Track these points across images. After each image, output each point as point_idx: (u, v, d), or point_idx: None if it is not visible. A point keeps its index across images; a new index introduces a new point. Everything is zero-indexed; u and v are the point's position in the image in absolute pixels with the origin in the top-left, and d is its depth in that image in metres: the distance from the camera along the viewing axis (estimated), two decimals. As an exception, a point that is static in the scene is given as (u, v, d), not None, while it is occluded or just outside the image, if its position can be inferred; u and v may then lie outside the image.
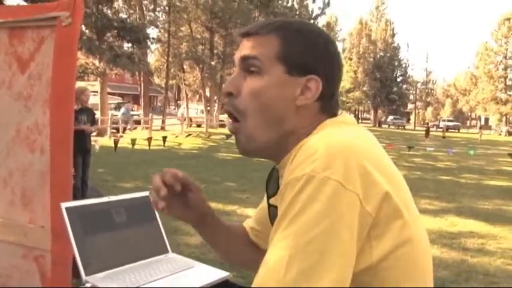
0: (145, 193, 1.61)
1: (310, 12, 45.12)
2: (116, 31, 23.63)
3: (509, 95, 61.69)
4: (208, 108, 34.77)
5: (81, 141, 7.03)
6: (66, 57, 2.09)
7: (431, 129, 38.90)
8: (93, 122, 7.59)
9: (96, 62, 23.19)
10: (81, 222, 1.40)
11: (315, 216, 0.73)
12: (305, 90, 0.92)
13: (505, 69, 63.80)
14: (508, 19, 62.45)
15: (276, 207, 0.93)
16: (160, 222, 1.62)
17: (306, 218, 0.73)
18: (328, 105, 0.96)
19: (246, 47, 0.94)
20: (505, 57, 63.62)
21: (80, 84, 18.01)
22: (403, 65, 66.09)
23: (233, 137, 1.00)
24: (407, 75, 67.29)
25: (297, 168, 0.78)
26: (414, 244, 0.81)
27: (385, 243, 0.77)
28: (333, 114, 0.97)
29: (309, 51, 0.93)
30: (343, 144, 0.80)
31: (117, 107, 23.67)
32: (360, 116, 71.11)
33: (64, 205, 1.38)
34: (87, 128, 7.24)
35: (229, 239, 1.27)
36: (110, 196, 1.52)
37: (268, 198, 1.09)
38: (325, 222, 0.72)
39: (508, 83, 63.09)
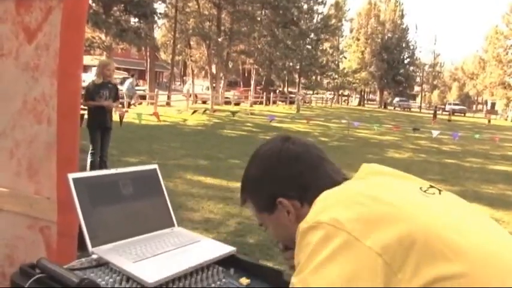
0: (153, 166, 1.61)
1: (319, -10, 44.57)
2: (122, 5, 23.42)
3: (517, 80, 61.12)
4: (214, 85, 34.63)
5: (101, 117, 6.98)
6: (74, 29, 2.06)
7: (437, 112, 38.67)
8: (116, 97, 7.29)
9: (103, 36, 23.06)
10: (88, 193, 1.40)
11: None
12: (287, 209, 1.10)
13: (515, 53, 63.06)
14: (520, 3, 61.45)
15: None
16: (167, 196, 1.61)
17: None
18: (311, 194, 1.05)
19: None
20: (515, 42, 62.83)
21: (85, 58, 17.91)
22: (411, 47, 65.28)
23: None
24: (415, 58, 66.53)
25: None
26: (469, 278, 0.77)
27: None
28: (336, 182, 1.09)
29: (263, 190, 1.13)
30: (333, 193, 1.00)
31: (122, 81, 23.52)
32: (365, 97, 70.59)
33: (71, 176, 1.38)
34: (107, 104, 7.01)
35: None
36: (118, 168, 1.51)
37: None
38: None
39: (517, 67, 62.44)
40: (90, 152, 7.08)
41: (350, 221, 0.84)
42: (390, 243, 0.80)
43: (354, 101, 72.01)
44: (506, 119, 54.78)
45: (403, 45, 64.13)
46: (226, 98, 34.73)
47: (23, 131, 2.33)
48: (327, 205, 0.92)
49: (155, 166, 1.63)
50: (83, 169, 6.27)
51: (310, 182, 1.08)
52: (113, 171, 1.51)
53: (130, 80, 23.51)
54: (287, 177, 1.10)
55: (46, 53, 2.23)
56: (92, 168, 6.99)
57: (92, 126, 7.02)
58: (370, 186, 0.99)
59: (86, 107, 6.95)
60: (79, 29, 2.10)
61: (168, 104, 28.82)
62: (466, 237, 0.82)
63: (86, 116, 7.22)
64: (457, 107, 59.87)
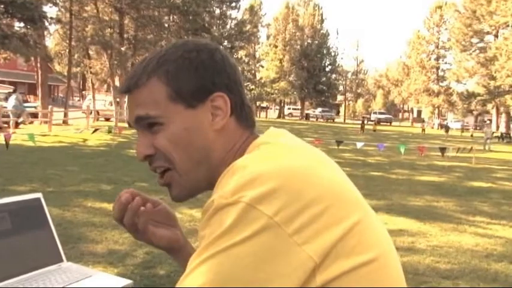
0: (36, 195, 1.56)
1: (231, -6, 45.37)
2: (2, 6, 22.16)
3: (441, 86, 65.68)
4: (118, 99, 33.89)
5: None
6: None
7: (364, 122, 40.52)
8: None
9: (-24, 44, 21.67)
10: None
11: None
12: (215, 111, 0.94)
13: (437, 59, 67.83)
14: (440, 7, 66.38)
15: None
16: (53, 228, 1.57)
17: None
18: (243, 114, 0.98)
19: (134, 106, 0.95)
20: (437, 47, 67.64)
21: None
22: (333, 54, 68.22)
23: None
24: (337, 65, 69.62)
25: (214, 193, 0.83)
26: (380, 262, 0.81)
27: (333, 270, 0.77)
28: (252, 123, 1.00)
29: (197, 73, 0.94)
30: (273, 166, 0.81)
31: (7, 97, 22.33)
32: (283, 107, 72.36)
33: None
34: None
35: None
36: (-8, 199, 1.45)
37: None
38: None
39: (440, 73, 67.13)
40: None
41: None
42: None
43: (274, 113, 73.60)
44: (432, 127, 58.53)
45: (324, 51, 66.85)
46: (133, 113, 34.06)
47: None
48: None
49: (39, 195, 1.58)
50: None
51: (243, 101, 0.99)
52: (-14, 203, 1.45)
53: (15, 95, 22.41)
54: (229, 73, 0.97)
55: None
56: None
57: None
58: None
59: None
60: None
61: (65, 122, 27.80)
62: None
63: None
64: (382, 116, 63.29)
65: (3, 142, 11.60)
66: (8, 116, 21.10)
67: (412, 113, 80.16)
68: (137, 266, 5.06)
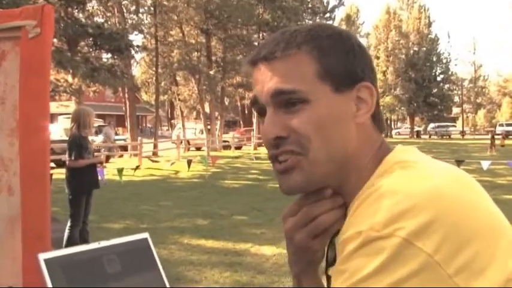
0: (143, 235, 1.60)
1: (325, 3, 45.59)
2: (91, 39, 23.76)
3: None
4: (209, 127, 34.90)
5: (91, 178, 7.00)
6: (36, 76, 2.09)
7: (487, 136, 38.57)
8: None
9: (69, 78, 23.26)
10: (65, 277, 1.38)
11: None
12: (359, 103, 0.93)
13: None
14: None
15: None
16: (162, 270, 1.59)
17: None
18: (379, 118, 0.97)
19: (271, 77, 0.92)
20: None
21: (51, 105, 18.11)
22: (444, 60, 65.99)
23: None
24: (450, 73, 67.15)
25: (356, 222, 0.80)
26: None
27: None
28: (383, 128, 1.00)
29: (349, 57, 0.93)
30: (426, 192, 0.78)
31: (98, 131, 23.79)
32: (392, 126, 70.82)
33: (42, 256, 1.36)
34: (100, 160, 7.09)
35: None
36: (100, 241, 1.50)
37: (327, 267, 1.07)
38: None
39: None
40: (69, 224, 6.96)
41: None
42: None
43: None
44: None
45: (434, 59, 64.86)
46: (225, 141, 34.93)
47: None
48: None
49: (146, 235, 1.62)
50: (57, 244, 6.23)
51: (378, 100, 0.98)
52: (94, 245, 1.50)
53: (105, 128, 23.83)
54: (372, 66, 0.98)
55: (1, 108, 2.25)
56: (70, 244, 6.88)
57: (79, 190, 6.91)
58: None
59: (54, 166, 6.97)
60: (43, 75, 2.14)
61: (155, 154, 29.00)
62: None
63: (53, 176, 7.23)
64: (511, 128, 59.80)
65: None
66: (99, 150, 22.42)
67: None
68: (241, 308, 5.08)
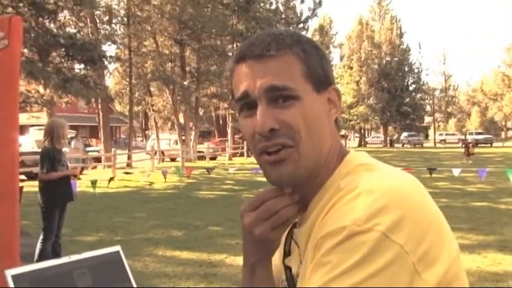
0: (115, 248, 1.57)
1: (298, 14, 45.88)
2: (63, 49, 23.52)
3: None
4: (184, 137, 34.77)
5: (65, 191, 6.92)
6: (5, 87, 2.05)
7: (458, 145, 39.21)
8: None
9: (41, 89, 22.94)
10: (34, 292, 1.35)
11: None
12: (330, 104, 1.05)
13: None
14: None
15: (290, 268, 1.10)
16: (134, 283, 1.57)
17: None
18: (338, 119, 1.09)
19: (265, 74, 0.98)
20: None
21: (21, 116, 17.87)
22: (416, 70, 66.97)
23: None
24: (422, 82, 68.11)
25: (336, 219, 0.89)
26: (461, 280, 0.92)
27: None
28: (339, 131, 1.11)
29: (323, 61, 1.04)
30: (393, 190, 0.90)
31: (69, 142, 23.62)
32: (366, 135, 71.39)
33: (10, 272, 1.33)
34: (74, 172, 7.13)
35: None
36: (71, 256, 1.48)
37: (284, 257, 1.14)
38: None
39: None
40: (42, 237, 6.83)
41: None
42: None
43: (354, 142, 72.80)
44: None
45: (406, 68, 65.81)
46: (200, 151, 34.83)
47: None
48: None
49: (117, 248, 1.60)
50: (27, 259, 6.11)
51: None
52: (65, 260, 1.47)
53: (74, 140, 23.61)
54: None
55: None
56: (42, 258, 6.75)
57: (52, 203, 6.80)
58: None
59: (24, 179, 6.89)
60: (12, 86, 2.10)
61: (129, 165, 28.78)
62: None
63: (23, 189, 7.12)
64: (480, 137, 60.86)
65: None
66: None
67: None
68: (217, 320, 5.04)
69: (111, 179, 17.15)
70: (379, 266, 0.81)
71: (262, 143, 0.99)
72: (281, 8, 43.52)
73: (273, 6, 41.96)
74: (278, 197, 1.03)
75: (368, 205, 0.86)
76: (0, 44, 1.94)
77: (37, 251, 6.71)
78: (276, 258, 1.16)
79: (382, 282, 0.81)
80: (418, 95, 67.83)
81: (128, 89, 36.74)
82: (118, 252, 1.61)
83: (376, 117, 64.70)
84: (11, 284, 1.31)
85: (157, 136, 39.44)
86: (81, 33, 27.66)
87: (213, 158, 33.52)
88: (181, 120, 36.99)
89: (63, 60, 24.49)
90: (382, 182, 0.92)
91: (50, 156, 6.72)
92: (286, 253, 1.13)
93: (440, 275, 0.85)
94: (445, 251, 0.88)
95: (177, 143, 34.97)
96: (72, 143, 23.37)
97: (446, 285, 0.86)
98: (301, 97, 0.98)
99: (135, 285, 1.59)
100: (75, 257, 1.50)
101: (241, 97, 1.01)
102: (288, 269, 1.11)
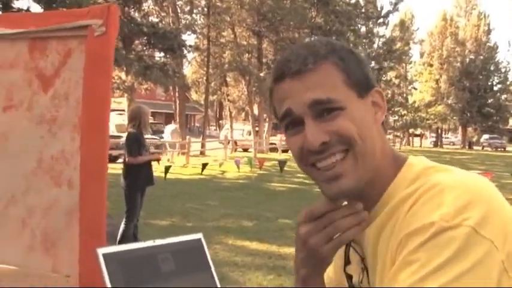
0: (197, 235, 1.61)
1: (379, 8, 45.04)
2: (145, 38, 24.17)
3: None
4: (257, 128, 34.98)
5: (148, 175, 7.23)
6: (100, 73, 2.15)
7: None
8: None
9: (123, 75, 23.73)
10: (122, 272, 1.41)
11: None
12: (375, 106, 1.04)
13: None
14: None
15: (351, 276, 1.09)
16: (214, 271, 1.61)
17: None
18: (384, 127, 1.07)
19: (306, 89, 0.97)
20: None
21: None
22: (503, 70, 63.97)
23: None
24: (508, 83, 65.07)
25: (419, 216, 0.88)
26: None
27: None
28: (386, 132, 1.12)
29: (361, 65, 1.03)
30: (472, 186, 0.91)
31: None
32: (442, 135, 69.24)
33: (101, 251, 1.39)
34: (157, 156, 7.37)
35: None
36: (155, 240, 1.53)
37: (345, 266, 1.14)
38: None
39: None
40: (125, 220, 7.09)
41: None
42: None
43: (427, 142, 70.75)
44: None
45: (491, 68, 62.99)
46: (272, 143, 34.91)
47: (37, 195, 2.39)
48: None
49: (200, 235, 1.63)
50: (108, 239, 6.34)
51: None
52: (149, 243, 1.53)
53: (174, 126, 24.93)
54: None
55: (65, 103, 2.32)
56: (124, 239, 7.02)
57: (135, 187, 7.07)
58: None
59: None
60: (106, 73, 2.19)
61: (202, 153, 29.25)
62: None
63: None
64: None
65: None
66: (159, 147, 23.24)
67: None
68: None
69: (204, 165, 17.54)
70: (472, 263, 0.81)
71: (314, 156, 0.99)
72: (361, 1, 42.83)
73: (353, 0, 41.33)
74: (339, 210, 1.00)
75: (454, 200, 0.86)
76: (98, 31, 2.03)
77: (120, 231, 6.99)
78: (330, 271, 1.16)
79: (476, 279, 0.80)
80: (503, 96, 64.85)
81: (204, 78, 37.33)
82: (200, 239, 1.65)
83: (454, 117, 62.63)
84: (102, 261, 1.37)
85: (231, 126, 39.83)
86: (163, 22, 28.35)
87: (285, 151, 33.46)
88: (256, 111, 37.21)
89: (144, 48, 25.15)
90: (461, 179, 0.93)
91: (137, 141, 6.97)
92: (347, 262, 1.13)
93: None
94: None
95: (250, 134, 35.20)
96: (171, 129, 24.51)
97: None
98: (346, 106, 0.97)
99: (215, 274, 1.62)
100: (159, 242, 1.55)
101: (285, 115, 1.01)
102: (349, 277, 1.12)
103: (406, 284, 0.83)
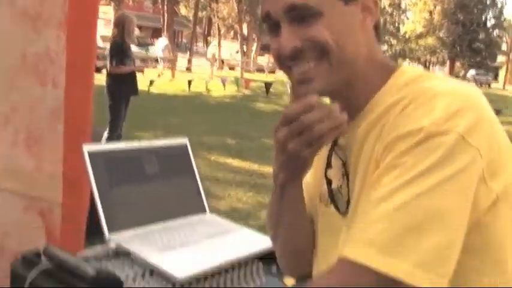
0: (183, 140, 1.62)
1: None
2: None
3: None
4: (245, 48, 34.58)
5: (132, 85, 7.14)
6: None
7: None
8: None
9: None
10: (106, 170, 1.42)
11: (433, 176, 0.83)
12: (365, 12, 0.99)
13: None
14: None
15: (330, 181, 1.07)
16: (198, 176, 1.63)
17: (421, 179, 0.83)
18: (379, 27, 1.04)
19: None
20: None
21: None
22: (499, 5, 62.89)
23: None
24: (503, 19, 64.27)
25: (410, 120, 0.88)
26: None
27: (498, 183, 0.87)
28: (380, 39, 1.07)
29: None
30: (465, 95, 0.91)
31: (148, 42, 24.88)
32: (429, 68, 69.07)
33: (87, 148, 1.40)
34: (140, 68, 7.12)
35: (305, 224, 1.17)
36: (141, 140, 1.54)
37: (326, 169, 1.12)
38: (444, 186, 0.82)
39: None
40: (107, 130, 7.05)
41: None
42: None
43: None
44: None
45: (487, 2, 62.00)
46: (259, 64, 34.66)
47: (21, 93, 2.35)
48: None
49: (185, 140, 1.65)
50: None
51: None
52: (135, 144, 1.54)
53: (166, 42, 24.48)
54: None
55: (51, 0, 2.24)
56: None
57: (119, 97, 7.00)
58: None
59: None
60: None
61: (188, 69, 28.97)
62: None
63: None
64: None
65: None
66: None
67: None
68: (260, 227, 5.15)
69: (189, 82, 17.32)
70: (455, 170, 0.82)
71: (288, 62, 0.98)
72: None
73: None
74: (315, 111, 0.92)
75: (445, 106, 0.86)
76: None
77: (103, 141, 6.99)
78: (309, 177, 1.14)
79: (456, 186, 0.82)
80: (496, 32, 64.25)
81: (195, -8, 36.43)
82: (185, 144, 1.67)
83: (444, 51, 62.28)
84: (87, 159, 1.38)
85: (219, 44, 39.31)
86: None
87: (272, 72, 33.26)
88: (245, 30, 36.66)
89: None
90: (453, 86, 0.92)
91: (120, 51, 6.84)
92: (328, 165, 1.11)
93: (503, 186, 0.87)
94: (510, 165, 0.89)
95: (237, 53, 34.85)
96: (163, 44, 24.18)
97: (504, 200, 0.87)
98: (325, 12, 0.93)
99: (198, 178, 1.65)
100: (145, 143, 1.56)
101: (264, 18, 0.99)
102: (328, 182, 1.10)
103: (389, 188, 0.83)
